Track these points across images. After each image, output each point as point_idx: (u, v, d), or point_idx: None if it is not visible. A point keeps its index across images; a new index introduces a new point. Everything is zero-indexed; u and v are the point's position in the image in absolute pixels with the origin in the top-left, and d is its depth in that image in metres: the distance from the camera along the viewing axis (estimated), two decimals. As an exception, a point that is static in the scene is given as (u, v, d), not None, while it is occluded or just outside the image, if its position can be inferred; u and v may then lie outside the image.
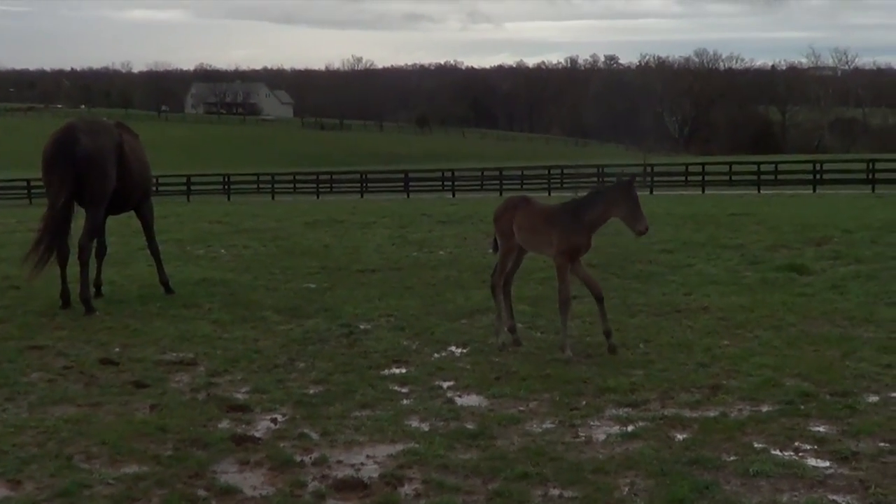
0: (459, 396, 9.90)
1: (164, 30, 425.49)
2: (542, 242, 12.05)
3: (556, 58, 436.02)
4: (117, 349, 12.18)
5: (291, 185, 68.28)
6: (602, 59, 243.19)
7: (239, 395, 10.01)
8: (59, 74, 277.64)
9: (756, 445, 8.14)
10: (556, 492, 7.21)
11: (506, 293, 12.47)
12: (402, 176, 66.94)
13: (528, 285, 16.21)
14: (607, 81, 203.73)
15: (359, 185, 65.89)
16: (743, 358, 11.04)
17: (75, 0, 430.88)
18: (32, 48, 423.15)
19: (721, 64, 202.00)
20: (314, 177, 68.57)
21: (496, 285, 12.48)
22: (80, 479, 7.49)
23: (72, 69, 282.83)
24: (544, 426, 8.84)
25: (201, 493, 7.30)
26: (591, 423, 8.90)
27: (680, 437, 8.42)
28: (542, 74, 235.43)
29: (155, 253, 16.50)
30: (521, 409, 9.41)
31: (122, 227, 23.76)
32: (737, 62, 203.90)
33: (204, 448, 8.28)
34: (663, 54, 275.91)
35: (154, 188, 16.25)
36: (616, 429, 8.69)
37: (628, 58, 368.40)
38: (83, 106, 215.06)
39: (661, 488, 7.19)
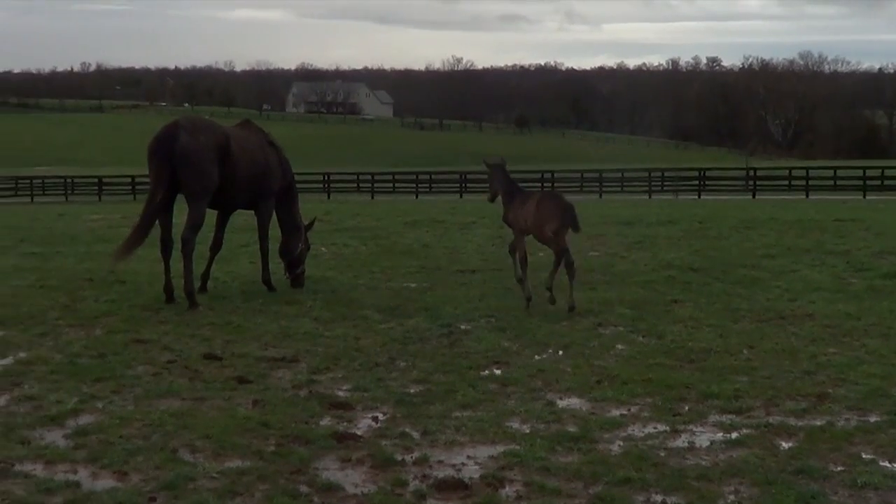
0: (560, 399, 9.84)
1: (267, 29, 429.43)
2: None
3: (656, 59, 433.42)
4: (220, 344, 12.31)
5: (391, 185, 68.47)
6: (704, 61, 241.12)
7: (340, 393, 10.06)
8: (163, 73, 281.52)
9: (864, 456, 7.98)
10: (658, 497, 7.14)
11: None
12: (500, 177, 66.70)
13: (629, 289, 16.10)
14: (709, 84, 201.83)
15: (458, 185, 65.85)
16: (850, 367, 10.82)
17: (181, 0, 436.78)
18: (138, 47, 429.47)
19: (826, 67, 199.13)
20: (413, 176, 68.66)
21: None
22: (185, 472, 7.58)
23: (176, 67, 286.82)
24: (646, 431, 8.76)
25: (303, 489, 7.34)
26: (694, 428, 8.80)
27: (785, 445, 8.29)
28: (644, 76, 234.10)
29: (264, 252, 16.61)
30: (623, 413, 9.32)
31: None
32: (842, 65, 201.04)
33: (306, 444, 8.33)
34: (766, 56, 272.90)
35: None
36: (720, 435, 8.58)
37: (730, 60, 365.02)
38: (186, 104, 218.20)
39: (766, 497, 7.09)
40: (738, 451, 8.15)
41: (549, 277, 14.76)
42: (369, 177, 67.13)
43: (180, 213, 15.38)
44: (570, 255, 14.48)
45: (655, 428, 8.84)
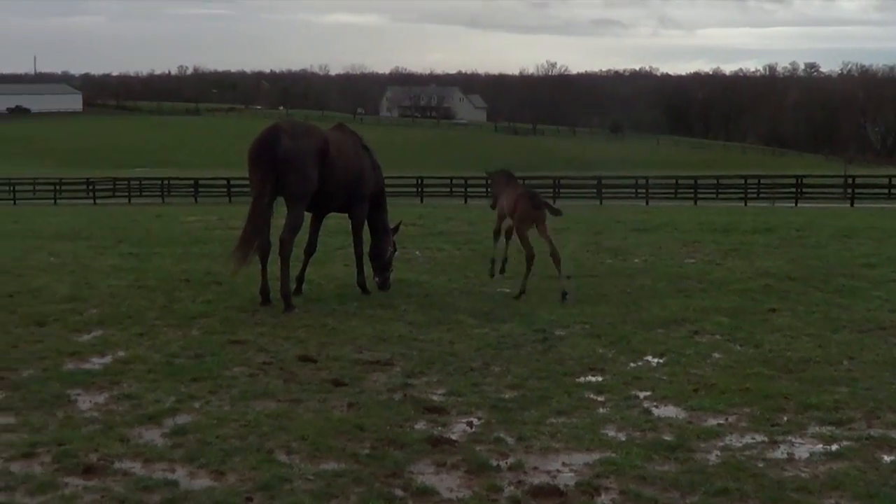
0: (656, 407, 9.74)
1: (362, 33, 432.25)
2: None
3: (752, 65, 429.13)
4: (316, 347, 12.36)
5: (484, 189, 68.29)
6: (802, 66, 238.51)
7: (435, 397, 10.06)
8: (258, 76, 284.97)
9: (969, 470, 7.80)
10: (757, 509, 7.04)
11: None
12: (594, 182, 66.55)
13: (725, 297, 15.92)
14: (807, 90, 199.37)
15: (551, 190, 65.64)
16: (954, 380, 10.60)
17: (277, 3, 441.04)
18: (234, 50, 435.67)
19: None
20: (506, 181, 68.35)
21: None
22: (281, 473, 7.63)
23: (271, 71, 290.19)
24: (744, 441, 8.64)
25: (398, 492, 7.34)
26: (794, 440, 8.67)
27: (887, 458, 8.13)
28: (740, 82, 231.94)
29: (358, 256, 16.70)
30: (720, 422, 9.21)
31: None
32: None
33: (401, 448, 8.33)
34: (866, 62, 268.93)
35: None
36: (819, 447, 8.44)
37: (828, 66, 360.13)
38: (281, 107, 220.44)
39: (868, 511, 6.97)
40: (839, 463, 8.01)
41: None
42: (462, 181, 67.03)
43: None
44: (532, 248, 16.53)
45: (753, 438, 8.72)
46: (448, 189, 67.34)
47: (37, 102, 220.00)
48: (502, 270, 17.45)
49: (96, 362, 11.53)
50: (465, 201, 61.66)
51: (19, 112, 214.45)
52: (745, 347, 12.40)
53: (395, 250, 17.63)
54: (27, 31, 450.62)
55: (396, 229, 17.59)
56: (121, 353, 11.93)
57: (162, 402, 9.70)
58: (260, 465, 7.85)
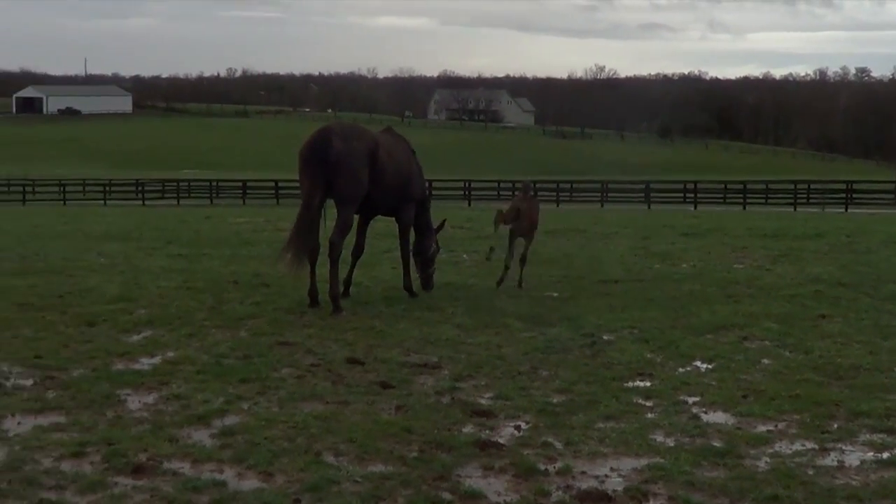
0: (705, 413, 9.68)
1: (410, 36, 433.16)
2: None
3: (803, 69, 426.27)
4: (363, 349, 12.36)
5: (531, 193, 68.15)
6: (853, 71, 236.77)
7: (483, 401, 10.04)
8: (307, 79, 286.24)
9: None
10: (807, 517, 6.99)
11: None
12: (643, 186, 66.37)
13: (775, 303, 15.81)
14: (858, 94, 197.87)
15: (599, 194, 65.58)
16: None
17: (326, 6, 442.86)
18: (282, 53, 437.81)
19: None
20: (554, 185, 68.39)
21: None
22: (329, 475, 7.64)
23: (319, 74, 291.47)
24: (794, 448, 8.58)
25: (446, 496, 7.34)
26: (844, 447, 8.59)
27: (940, 467, 8.05)
28: (790, 86, 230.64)
29: (405, 258, 16.73)
30: (770, 428, 9.14)
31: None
32: None
33: (448, 451, 8.33)
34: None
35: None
36: (871, 455, 8.36)
37: (880, 70, 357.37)
38: (329, 110, 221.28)
39: (920, 520, 6.90)
40: (891, 471, 7.94)
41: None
42: (510, 184, 66.86)
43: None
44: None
45: (803, 445, 8.65)
46: (496, 192, 67.19)
47: (87, 104, 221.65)
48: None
49: (145, 362, 11.60)
50: (513, 205, 61.40)
51: (70, 113, 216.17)
52: (795, 353, 12.30)
53: (439, 249, 17.65)
54: (78, 34, 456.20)
55: (440, 228, 17.59)
56: (170, 354, 11.99)
57: (210, 403, 9.75)
58: (308, 466, 7.87)
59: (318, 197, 14.97)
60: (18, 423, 9.09)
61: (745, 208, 57.37)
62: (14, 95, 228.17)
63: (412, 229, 17.01)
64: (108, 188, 73.15)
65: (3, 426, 9.01)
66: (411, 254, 16.93)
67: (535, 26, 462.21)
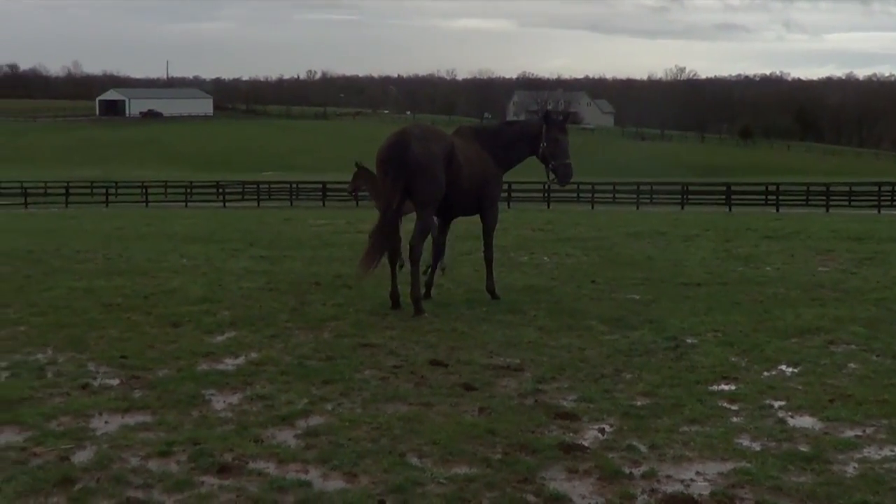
0: (791, 417, 9.55)
1: (489, 38, 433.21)
2: None
3: (887, 70, 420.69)
4: (446, 351, 12.36)
5: (611, 195, 68.01)
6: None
7: (566, 403, 9.99)
8: (386, 81, 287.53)
9: None
10: (899, 524, 6.88)
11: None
12: (723, 188, 65.82)
13: (861, 306, 15.59)
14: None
15: (679, 196, 65.14)
16: None
17: (405, 9, 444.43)
18: (362, 55, 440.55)
19: None
20: (634, 186, 68.05)
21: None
22: (413, 477, 7.64)
23: (398, 76, 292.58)
24: (883, 453, 8.43)
25: (531, 498, 7.31)
26: (935, 453, 8.45)
27: None
28: (873, 87, 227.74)
29: (488, 260, 16.66)
30: (858, 433, 8.99)
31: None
32: None
33: (532, 454, 8.29)
34: None
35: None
36: (962, 462, 8.22)
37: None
38: (408, 112, 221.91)
39: None
40: (984, 478, 7.78)
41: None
42: (589, 187, 66.66)
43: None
44: None
45: (893, 451, 8.50)
46: (575, 195, 66.98)
47: (169, 106, 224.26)
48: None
49: (229, 363, 11.69)
50: (592, 207, 61.40)
51: (152, 116, 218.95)
52: (883, 358, 12.11)
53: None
54: (160, 37, 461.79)
55: None
56: (253, 355, 12.07)
57: (294, 404, 9.79)
58: (392, 467, 7.87)
59: (397, 199, 14.99)
60: (106, 422, 9.20)
61: (828, 210, 56.73)
62: (97, 98, 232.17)
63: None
64: (189, 190, 73.94)
65: (92, 425, 9.12)
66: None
67: (607, 27, 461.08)
